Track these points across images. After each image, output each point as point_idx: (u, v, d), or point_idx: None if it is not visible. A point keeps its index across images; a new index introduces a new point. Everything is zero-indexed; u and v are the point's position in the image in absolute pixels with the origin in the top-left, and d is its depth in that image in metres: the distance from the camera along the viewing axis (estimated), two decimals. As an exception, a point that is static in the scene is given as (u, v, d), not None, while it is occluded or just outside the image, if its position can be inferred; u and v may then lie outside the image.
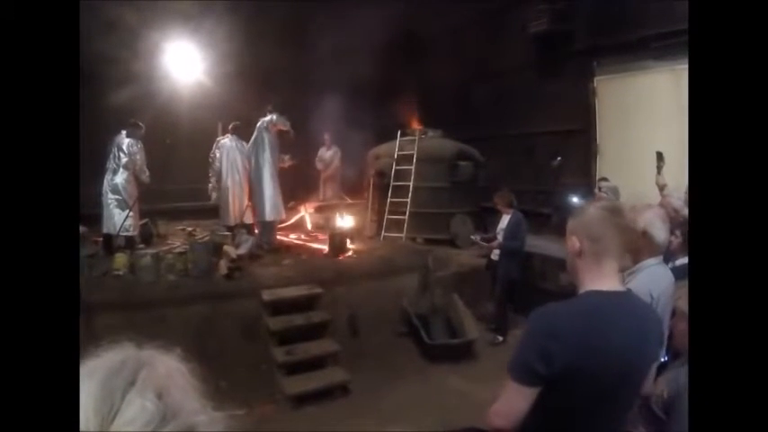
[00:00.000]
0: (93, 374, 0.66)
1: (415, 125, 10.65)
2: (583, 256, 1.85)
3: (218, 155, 8.40)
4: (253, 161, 8.22)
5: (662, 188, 5.76)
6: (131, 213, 7.27)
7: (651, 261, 2.76)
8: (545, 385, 1.72)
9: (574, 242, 1.86)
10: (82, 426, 0.62)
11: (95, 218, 7.28)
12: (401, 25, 10.84)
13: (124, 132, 7.49)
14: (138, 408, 0.63)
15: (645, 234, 2.68)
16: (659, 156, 6.01)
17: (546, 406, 1.74)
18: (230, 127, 8.48)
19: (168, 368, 0.71)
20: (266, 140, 8.15)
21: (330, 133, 10.61)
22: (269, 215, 8.20)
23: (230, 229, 8.31)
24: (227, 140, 8.38)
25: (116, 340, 0.73)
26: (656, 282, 2.57)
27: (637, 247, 2.52)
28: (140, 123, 7.65)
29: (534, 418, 1.74)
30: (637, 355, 1.81)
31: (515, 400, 1.75)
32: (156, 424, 0.63)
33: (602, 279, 1.82)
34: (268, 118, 8.16)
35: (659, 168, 5.98)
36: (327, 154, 10.72)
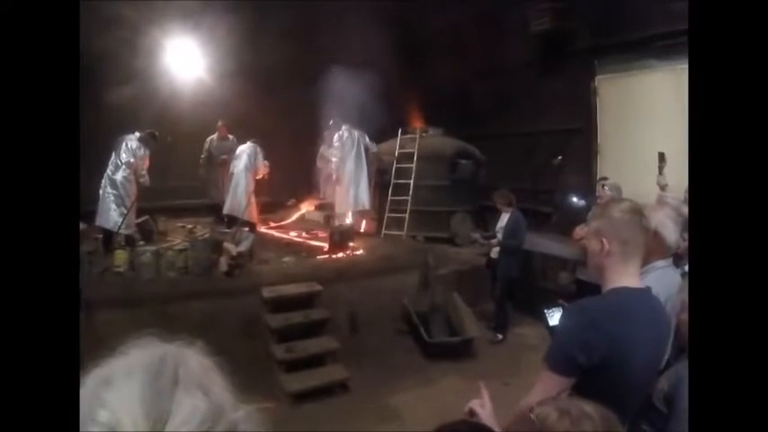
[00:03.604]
0: (132, 375, 0.63)
1: (416, 123, 10.65)
2: (610, 257, 1.94)
3: (237, 152, 9.11)
4: (350, 162, 9.28)
5: (663, 188, 5.76)
6: (128, 212, 7.27)
7: (661, 263, 2.74)
8: (580, 376, 1.81)
9: (602, 243, 1.95)
10: (132, 431, 0.58)
11: (94, 215, 7.28)
12: (402, 23, 10.81)
13: (137, 134, 7.52)
14: (189, 408, 0.61)
15: (656, 235, 2.66)
16: (661, 156, 6.01)
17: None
18: (253, 140, 9.13)
19: (201, 364, 0.69)
20: (363, 150, 9.41)
21: (330, 132, 10.60)
22: (359, 205, 9.36)
23: (230, 225, 8.43)
24: (246, 147, 9.04)
25: (141, 336, 0.70)
26: (665, 285, 2.54)
27: (648, 247, 2.52)
28: (156, 134, 7.74)
29: None
30: (655, 350, 1.95)
31: (553, 390, 1.82)
32: (210, 423, 0.61)
33: (627, 277, 1.94)
34: (367, 140, 9.52)
35: (660, 168, 5.98)
36: (328, 152, 10.69)
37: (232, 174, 9.00)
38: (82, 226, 6.61)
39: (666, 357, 2.20)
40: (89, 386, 0.64)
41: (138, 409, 0.59)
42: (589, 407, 1.12)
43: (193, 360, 0.69)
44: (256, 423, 0.68)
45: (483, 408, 1.73)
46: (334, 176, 9.33)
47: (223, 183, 9.57)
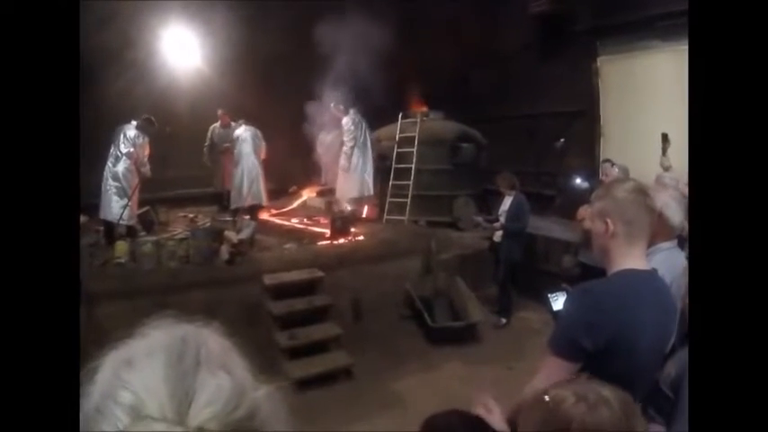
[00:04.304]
0: (155, 355, 0.62)
1: (417, 107, 10.57)
2: (615, 238, 1.89)
3: (238, 138, 8.94)
4: (357, 149, 9.14)
5: (666, 169, 5.73)
6: (129, 203, 7.26)
7: (666, 245, 2.71)
8: (586, 360, 1.77)
9: (607, 225, 1.89)
10: (157, 412, 0.57)
11: (95, 207, 7.28)
12: (402, 7, 10.69)
13: (134, 123, 7.48)
14: (214, 388, 0.60)
15: (660, 216, 2.62)
16: (664, 137, 5.97)
17: None
18: (244, 121, 9.10)
19: (220, 344, 0.68)
20: (368, 135, 9.34)
21: (331, 117, 10.52)
22: (365, 191, 9.30)
23: (235, 214, 8.44)
24: (245, 132, 8.92)
25: (160, 317, 0.69)
26: (671, 267, 2.50)
27: (653, 228, 2.50)
28: (153, 119, 7.67)
29: None
30: (662, 333, 1.92)
31: (557, 375, 1.77)
32: (234, 403, 0.60)
33: (633, 259, 1.89)
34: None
35: (664, 150, 5.94)
36: (328, 138, 10.63)
37: (241, 163, 8.85)
38: (83, 219, 6.60)
39: (672, 341, 2.17)
40: (108, 368, 0.63)
41: (162, 389, 0.58)
42: (607, 391, 1.08)
43: (213, 340, 0.68)
44: (276, 402, 0.67)
45: (491, 414, 1.70)
46: (343, 161, 9.24)
47: (226, 171, 9.57)
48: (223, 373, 0.62)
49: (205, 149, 9.88)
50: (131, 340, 0.66)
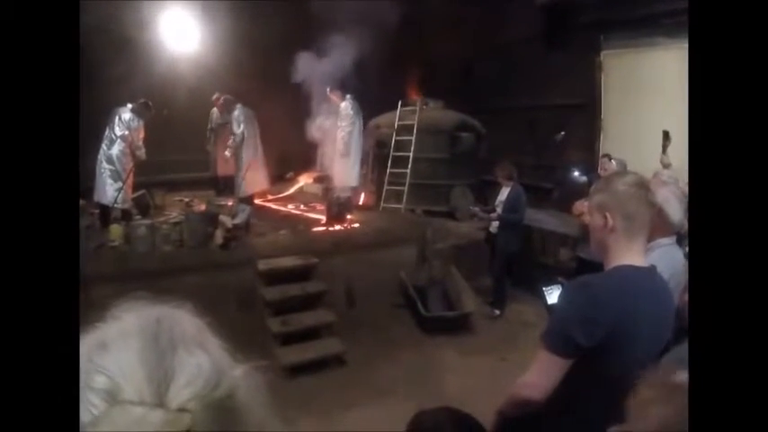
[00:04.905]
0: (129, 338, 0.60)
1: (416, 95, 10.50)
2: (614, 233, 1.84)
3: (235, 122, 8.69)
4: (355, 134, 9.00)
5: (666, 167, 5.71)
6: (124, 187, 7.21)
7: (664, 241, 2.69)
8: (580, 356, 1.73)
9: (606, 219, 1.85)
10: (134, 396, 0.55)
11: (90, 190, 7.24)
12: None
13: (130, 106, 7.41)
14: (193, 368, 0.58)
15: (660, 212, 2.59)
16: (665, 135, 5.94)
17: (574, 378, 1.75)
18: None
19: (194, 324, 0.66)
20: (360, 121, 9.16)
21: (328, 102, 10.44)
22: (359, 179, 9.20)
23: (244, 200, 8.43)
24: (243, 115, 8.71)
25: (130, 299, 0.66)
26: (669, 263, 2.47)
27: (653, 224, 2.47)
28: (149, 103, 7.60)
29: (559, 390, 1.76)
30: (659, 330, 1.88)
31: (550, 370, 1.75)
32: (214, 382, 0.58)
33: (632, 255, 1.85)
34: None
35: (664, 147, 5.92)
36: (326, 123, 10.54)
37: (242, 148, 8.69)
38: (80, 202, 6.56)
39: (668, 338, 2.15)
40: (81, 353, 0.61)
41: (139, 372, 0.57)
42: None
43: (187, 320, 0.66)
44: (256, 380, 0.65)
45: None
46: (342, 148, 9.13)
47: (220, 157, 9.56)
48: (201, 351, 0.60)
49: (208, 133, 9.87)
50: (102, 324, 0.64)
